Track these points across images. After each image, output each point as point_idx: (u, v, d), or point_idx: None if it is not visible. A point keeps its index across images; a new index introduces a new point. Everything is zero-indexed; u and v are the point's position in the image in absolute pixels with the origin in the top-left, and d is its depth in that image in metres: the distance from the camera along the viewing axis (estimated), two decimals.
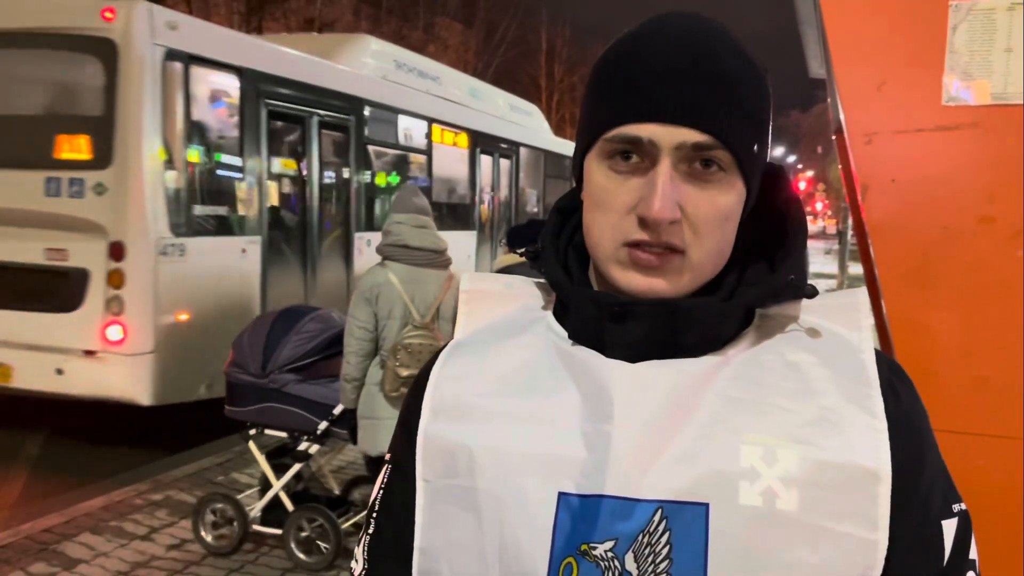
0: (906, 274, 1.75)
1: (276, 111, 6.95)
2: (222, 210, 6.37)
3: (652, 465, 0.71)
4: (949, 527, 0.75)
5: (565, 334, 0.80)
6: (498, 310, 0.87)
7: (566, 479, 0.72)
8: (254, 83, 6.62)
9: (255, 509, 4.45)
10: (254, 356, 4.32)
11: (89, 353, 5.70)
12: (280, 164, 7.14)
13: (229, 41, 6.77)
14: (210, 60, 6.18)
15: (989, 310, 1.69)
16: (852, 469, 0.70)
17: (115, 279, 5.51)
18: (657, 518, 0.69)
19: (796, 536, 0.68)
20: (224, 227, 6.36)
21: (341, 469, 5.70)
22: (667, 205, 0.70)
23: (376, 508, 0.87)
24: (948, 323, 1.72)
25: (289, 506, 4.35)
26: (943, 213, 1.71)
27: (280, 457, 4.53)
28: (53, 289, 5.65)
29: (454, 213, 10.90)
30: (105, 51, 5.44)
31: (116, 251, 5.49)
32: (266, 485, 4.50)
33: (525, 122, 14.10)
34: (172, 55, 5.69)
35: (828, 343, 0.76)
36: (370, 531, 0.87)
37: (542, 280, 0.86)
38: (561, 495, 0.72)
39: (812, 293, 0.78)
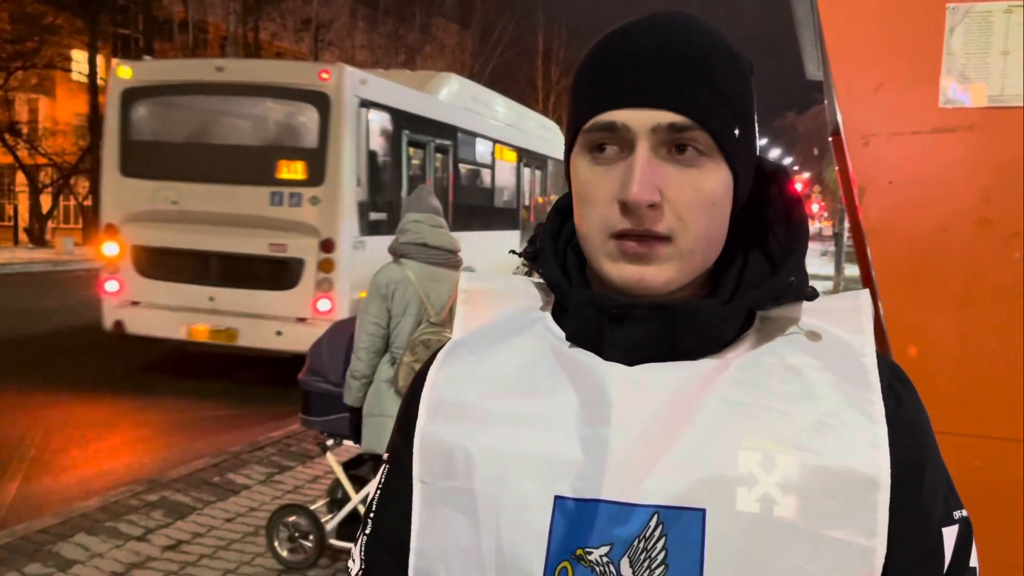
0: (903, 276, 1.75)
1: (411, 140, 9.28)
2: (383, 215, 8.42)
3: (649, 470, 0.70)
4: (950, 534, 0.75)
5: (563, 335, 0.79)
6: (496, 311, 0.86)
7: (562, 482, 0.72)
8: (400, 120, 8.95)
9: (332, 522, 4.24)
10: (334, 364, 4.14)
11: (302, 320, 7.74)
12: (411, 180, 9.32)
13: (387, 88, 8.91)
14: (380, 104, 8.45)
15: (985, 312, 1.69)
16: (851, 475, 0.69)
17: (325, 266, 7.67)
18: (653, 523, 0.69)
19: (793, 543, 0.68)
20: (385, 228, 8.11)
21: None
22: (645, 187, 0.70)
23: (374, 508, 0.87)
24: (944, 324, 1.72)
25: None
26: (940, 215, 1.71)
27: (353, 469, 4.38)
28: (274, 273, 7.83)
29: (506, 215, 13.41)
30: (320, 101, 7.63)
31: (327, 245, 7.64)
32: (338, 497, 4.32)
33: (550, 137, 16.41)
34: (363, 103, 7.98)
35: (829, 346, 0.76)
36: (367, 531, 0.87)
37: (541, 280, 0.86)
38: (557, 499, 0.71)
39: (813, 295, 0.77)
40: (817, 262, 28.52)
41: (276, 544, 4.26)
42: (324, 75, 7.65)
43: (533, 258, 0.84)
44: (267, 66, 9.33)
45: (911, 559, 0.71)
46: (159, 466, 5.88)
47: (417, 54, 49.72)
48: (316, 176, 7.69)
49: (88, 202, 32.30)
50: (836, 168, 2.29)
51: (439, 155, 10.30)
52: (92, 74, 31.47)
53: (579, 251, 0.83)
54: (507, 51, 54.83)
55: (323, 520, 4.24)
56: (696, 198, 0.72)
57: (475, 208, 11.74)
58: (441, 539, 0.77)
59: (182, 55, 36.39)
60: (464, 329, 0.86)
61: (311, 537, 4.20)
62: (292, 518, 4.26)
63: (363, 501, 4.19)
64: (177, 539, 4.60)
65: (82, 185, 32.61)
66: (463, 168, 11.22)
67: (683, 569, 0.68)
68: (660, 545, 0.68)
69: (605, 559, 0.69)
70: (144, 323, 8.27)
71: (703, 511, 0.68)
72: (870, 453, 0.70)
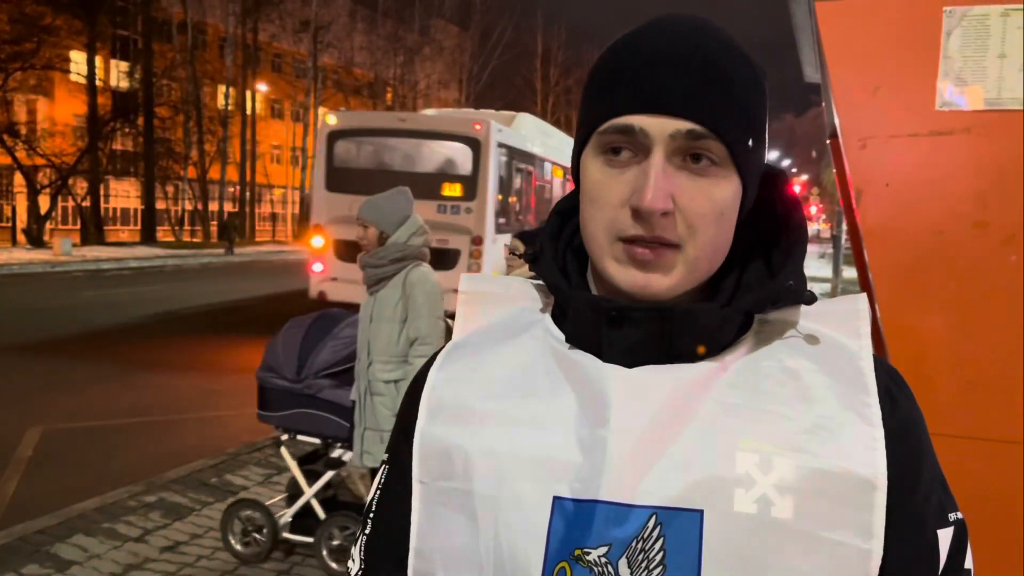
0: (900, 278, 1.75)
1: (516, 167, 12.93)
2: (504, 220, 11.98)
3: (647, 471, 0.70)
4: (945, 536, 0.75)
5: (562, 337, 0.79)
6: (496, 312, 0.86)
7: (561, 483, 0.72)
8: (512, 154, 12.55)
9: (285, 516, 4.35)
10: (288, 361, 4.24)
11: (454, 291, 10.46)
12: (515, 197, 13.10)
13: (509, 133, 12.42)
14: (505, 144, 12.10)
15: (982, 314, 1.70)
16: (848, 478, 0.69)
17: (475, 254, 11.05)
18: (651, 524, 0.69)
19: (790, 544, 0.68)
20: (505, 229, 11.60)
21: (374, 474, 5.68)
22: (659, 195, 0.70)
23: (373, 508, 0.87)
24: (941, 327, 1.73)
25: (321, 514, 4.27)
26: (937, 217, 1.72)
27: (310, 464, 4.45)
28: (438, 259, 9.15)
29: None
30: (474, 144, 11.21)
31: (476, 241, 11.07)
32: (295, 492, 4.40)
33: None
34: (499, 144, 11.63)
35: (827, 350, 0.76)
36: (367, 531, 0.87)
37: (541, 282, 0.86)
38: (556, 499, 0.71)
39: (811, 299, 0.78)
40: (815, 264, 28.54)
41: (230, 538, 4.37)
42: (477, 126, 11.33)
43: (533, 260, 0.85)
44: (436, 119, 12.62)
45: (907, 561, 0.72)
46: (157, 467, 5.88)
47: (416, 55, 49.75)
48: (469, 194, 11.20)
49: (87, 203, 32.30)
50: (834, 170, 2.30)
51: (527, 176, 13.89)
52: (91, 75, 31.50)
53: (579, 253, 0.83)
54: (506, 52, 54.93)
55: (278, 515, 4.34)
56: (707, 208, 0.72)
57: (544, 214, 15.05)
58: (440, 539, 0.77)
59: (181, 56, 36.45)
60: (464, 330, 0.86)
61: (264, 531, 4.32)
62: (246, 512, 4.38)
63: (316, 495, 4.29)
64: (175, 540, 4.60)
65: (80, 186, 32.60)
66: (540, 186, 14.87)
67: (681, 570, 0.68)
68: (658, 546, 0.68)
69: (603, 559, 0.69)
70: (339, 293, 10.93)
71: (701, 512, 0.68)
72: (866, 456, 0.70)
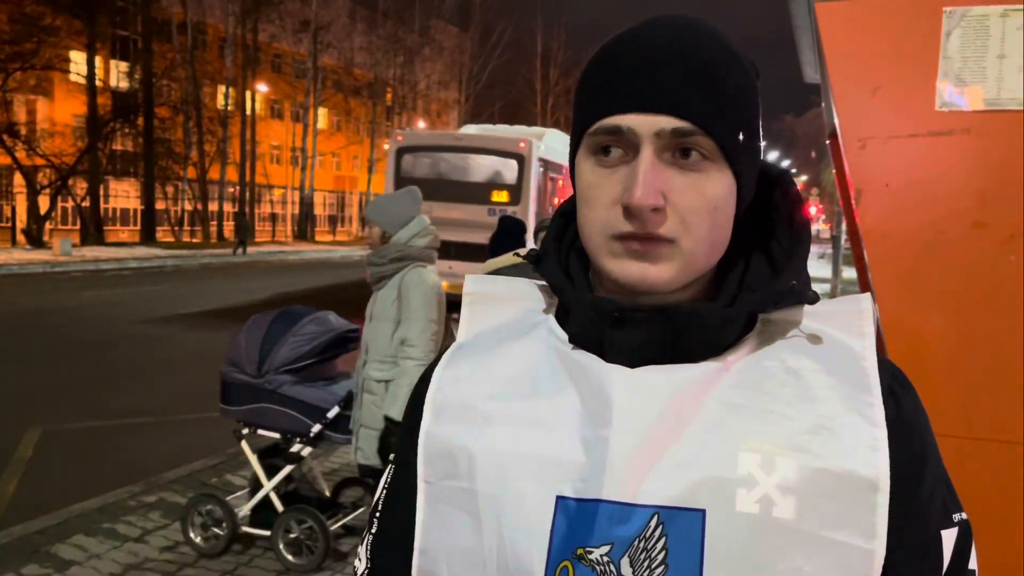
0: (899, 278, 1.75)
1: (550, 177, 14.86)
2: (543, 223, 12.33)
3: (650, 470, 0.71)
4: (949, 537, 0.75)
5: (566, 337, 0.80)
6: (501, 313, 0.87)
7: (564, 483, 0.72)
8: (547, 165, 14.48)
9: (244, 510, 4.44)
10: (250, 356, 4.31)
11: None
12: (548, 201, 14.69)
13: (546, 148, 14.37)
14: (543, 159, 14.14)
15: (982, 314, 1.70)
16: (850, 478, 0.69)
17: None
18: (653, 523, 0.69)
19: (792, 544, 0.68)
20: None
21: (333, 471, 5.69)
22: (649, 192, 0.70)
23: (380, 507, 0.88)
24: (941, 327, 1.73)
25: (279, 507, 4.34)
26: (936, 218, 1.72)
27: (271, 457, 4.52)
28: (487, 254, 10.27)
29: None
30: (520, 158, 13.56)
31: None
32: (256, 485, 4.49)
33: None
34: (540, 160, 13.84)
35: (830, 350, 0.76)
36: (373, 530, 0.87)
37: (545, 283, 0.86)
38: (559, 499, 0.72)
39: (813, 299, 0.77)
40: (815, 265, 28.53)
41: (190, 531, 4.43)
42: (522, 144, 13.70)
43: (537, 261, 0.85)
44: (487, 137, 14.73)
45: (910, 561, 0.72)
46: (157, 467, 5.88)
47: (416, 56, 49.75)
48: (515, 199, 13.39)
49: (86, 203, 32.29)
50: (833, 171, 2.30)
51: (556, 183, 15.45)
52: (91, 75, 31.48)
53: (582, 254, 0.83)
54: (506, 53, 54.93)
55: (237, 509, 4.41)
56: (699, 203, 0.72)
57: None
58: (444, 538, 0.77)
59: (181, 56, 36.44)
60: (469, 331, 0.86)
61: (223, 524, 4.39)
62: (207, 507, 4.43)
63: (277, 489, 4.37)
64: (175, 540, 4.60)
65: (80, 186, 32.59)
66: (565, 190, 16.21)
67: (683, 569, 0.68)
68: (660, 545, 0.69)
69: (605, 558, 0.69)
70: None
71: (703, 512, 0.69)
72: (869, 456, 0.70)
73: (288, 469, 4.35)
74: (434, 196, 13.36)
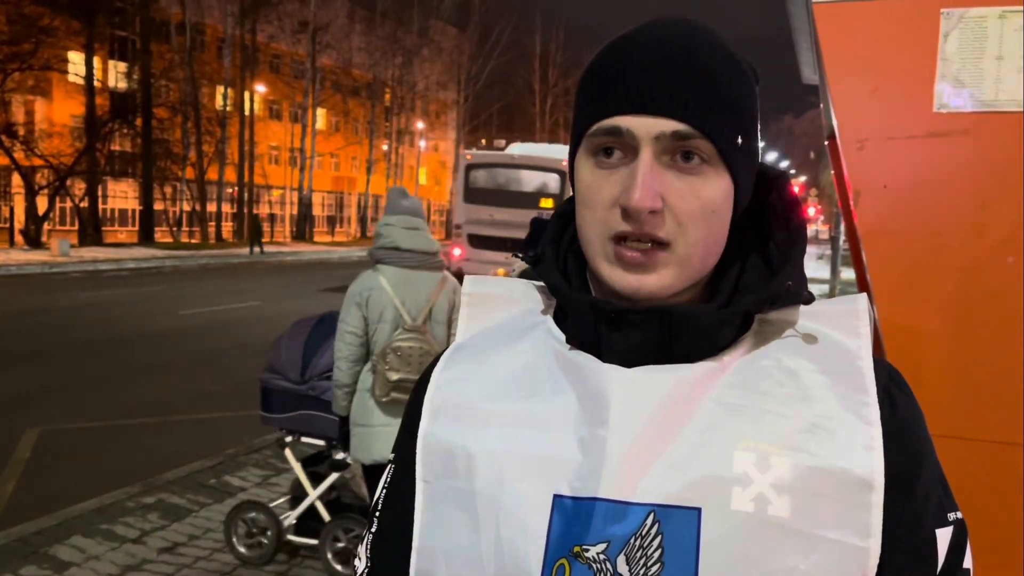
0: (898, 279, 1.76)
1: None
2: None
3: (646, 469, 0.71)
4: (943, 536, 0.75)
5: (564, 338, 0.80)
6: (499, 313, 0.87)
7: (561, 482, 0.72)
8: (565, 177, 15.89)
9: (289, 518, 4.34)
10: (292, 362, 4.22)
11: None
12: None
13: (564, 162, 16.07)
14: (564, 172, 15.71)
15: (980, 315, 1.70)
16: (845, 477, 0.70)
17: None
18: (649, 521, 0.69)
19: (787, 543, 0.68)
20: None
21: None
22: (647, 194, 0.71)
23: (379, 507, 0.88)
24: (939, 328, 1.73)
25: (326, 516, 4.25)
26: (935, 219, 1.72)
27: (313, 465, 4.43)
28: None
29: None
30: (561, 173, 15.66)
31: None
32: (297, 494, 4.38)
33: None
34: (561, 173, 15.78)
35: (826, 349, 0.76)
36: (373, 530, 0.88)
37: (543, 284, 0.86)
38: (556, 497, 0.72)
39: (809, 300, 0.78)
40: (814, 265, 28.56)
41: (234, 540, 4.37)
42: (563, 163, 15.09)
43: (535, 262, 0.85)
44: (536, 157, 16.89)
45: (904, 560, 0.72)
46: (155, 468, 5.87)
47: (414, 56, 49.77)
48: (558, 206, 14.38)
49: (84, 204, 32.28)
50: (832, 172, 2.30)
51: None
52: (89, 76, 31.48)
53: (579, 256, 0.83)
54: (505, 54, 54.98)
55: (282, 517, 4.33)
56: (697, 206, 0.73)
57: None
58: (442, 538, 0.78)
59: (179, 57, 36.45)
60: (467, 332, 0.87)
61: (268, 533, 4.32)
62: (251, 515, 4.37)
63: (320, 497, 4.29)
64: (173, 541, 4.60)
65: (78, 187, 32.58)
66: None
67: (679, 567, 0.68)
68: (656, 543, 0.69)
69: (602, 556, 0.70)
70: (471, 270, 14.34)
71: (698, 510, 0.69)
72: (864, 455, 0.70)
73: (334, 477, 4.25)
74: (496, 202, 16.78)
